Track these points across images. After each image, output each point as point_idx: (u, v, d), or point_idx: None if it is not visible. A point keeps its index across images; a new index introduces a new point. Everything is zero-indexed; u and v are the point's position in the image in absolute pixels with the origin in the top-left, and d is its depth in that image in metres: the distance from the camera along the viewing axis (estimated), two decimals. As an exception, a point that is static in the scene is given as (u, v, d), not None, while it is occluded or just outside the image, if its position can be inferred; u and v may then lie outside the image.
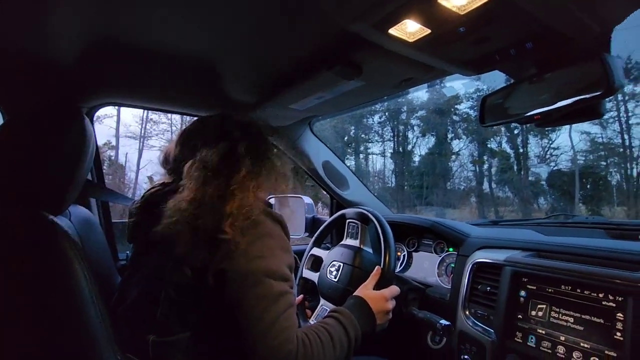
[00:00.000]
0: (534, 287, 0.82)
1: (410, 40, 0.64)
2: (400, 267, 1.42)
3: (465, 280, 0.99)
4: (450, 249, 1.24)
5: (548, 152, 10.65)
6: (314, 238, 1.31)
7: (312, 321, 1.09)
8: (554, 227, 1.25)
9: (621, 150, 9.60)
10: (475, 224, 1.46)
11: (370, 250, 1.11)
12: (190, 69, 0.88)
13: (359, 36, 0.67)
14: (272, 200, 2.04)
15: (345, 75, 0.81)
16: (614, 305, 0.69)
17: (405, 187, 12.47)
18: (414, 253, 1.41)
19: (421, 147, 12.55)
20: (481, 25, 0.59)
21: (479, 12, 0.55)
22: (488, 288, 0.92)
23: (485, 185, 11.63)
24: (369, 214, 1.09)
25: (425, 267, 1.33)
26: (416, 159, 12.66)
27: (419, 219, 1.32)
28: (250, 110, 1.11)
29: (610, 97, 0.69)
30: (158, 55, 0.80)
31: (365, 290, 0.88)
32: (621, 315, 0.67)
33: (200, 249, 0.62)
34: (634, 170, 9.44)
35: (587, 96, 0.62)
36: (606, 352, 0.68)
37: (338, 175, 1.52)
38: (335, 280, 1.07)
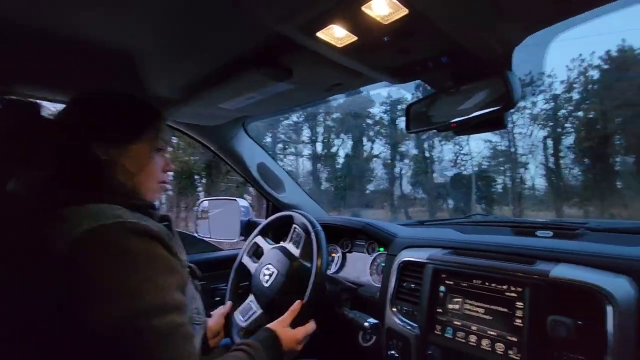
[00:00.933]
0: (452, 282, 0.89)
1: (339, 45, 0.65)
2: (335, 267, 1.44)
3: (393, 279, 1.04)
4: (381, 249, 1.29)
5: (459, 157, 12.01)
6: (260, 227, 1.28)
7: (237, 315, 1.07)
8: (471, 226, 1.38)
9: (510, 156, 11.35)
10: (404, 224, 1.55)
11: (308, 265, 1.10)
12: (101, 59, 0.79)
13: (288, 38, 0.66)
14: (204, 203, 1.95)
15: (276, 77, 0.79)
16: (515, 295, 0.77)
17: (330, 189, 12.72)
18: (347, 254, 1.45)
19: (344, 149, 13.00)
20: (403, 37, 0.62)
21: (400, 23, 0.57)
22: (412, 285, 0.98)
23: (405, 187, 12.49)
24: (311, 231, 1.07)
25: (359, 267, 1.37)
26: (340, 160, 13.03)
27: (351, 221, 1.35)
28: (174, 108, 1.03)
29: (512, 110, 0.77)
30: (61, 40, 0.70)
31: (281, 327, 0.84)
32: (520, 304, 0.76)
33: (38, 278, 0.49)
34: (518, 175, 11.32)
35: (493, 109, 0.69)
36: (508, 337, 0.76)
37: (274, 178, 1.50)
38: (266, 285, 1.05)
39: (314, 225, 1.06)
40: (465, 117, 0.76)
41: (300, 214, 1.13)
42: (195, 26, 0.67)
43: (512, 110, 0.81)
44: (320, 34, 0.62)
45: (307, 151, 13.18)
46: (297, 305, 0.91)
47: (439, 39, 0.63)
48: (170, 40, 0.73)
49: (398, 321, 0.97)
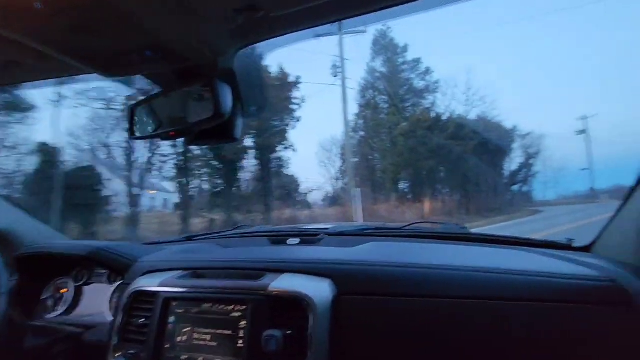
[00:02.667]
0: (182, 311, 0.79)
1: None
2: (62, 308, 1.10)
3: (120, 315, 0.85)
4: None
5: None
6: None
7: None
8: (236, 239, 1.35)
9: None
10: (169, 241, 1.39)
11: None
12: None
13: None
14: None
15: None
16: (239, 314, 0.74)
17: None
18: (84, 287, 1.14)
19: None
20: (63, 7, 0.47)
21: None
22: (142, 320, 0.82)
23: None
24: None
25: (97, 303, 1.09)
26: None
27: (74, 247, 1.06)
28: None
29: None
30: None
31: None
32: (243, 324, 0.73)
33: None
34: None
35: (205, 118, 0.63)
36: (231, 362, 0.71)
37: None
38: None
39: None
40: (184, 126, 0.68)
41: None
42: None
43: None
44: None
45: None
46: None
47: (124, 24, 0.51)
48: None
49: (121, 369, 0.79)
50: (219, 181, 11.20)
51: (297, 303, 0.72)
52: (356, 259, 0.85)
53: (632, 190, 0.78)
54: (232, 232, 1.43)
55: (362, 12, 0.58)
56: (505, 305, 0.68)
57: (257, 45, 0.68)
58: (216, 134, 0.74)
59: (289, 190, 13.64)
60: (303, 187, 14.69)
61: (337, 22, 0.61)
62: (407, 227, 1.30)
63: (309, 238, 1.17)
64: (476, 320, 0.69)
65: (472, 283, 0.73)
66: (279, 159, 12.48)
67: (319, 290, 0.74)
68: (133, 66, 0.65)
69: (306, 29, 0.60)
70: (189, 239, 1.46)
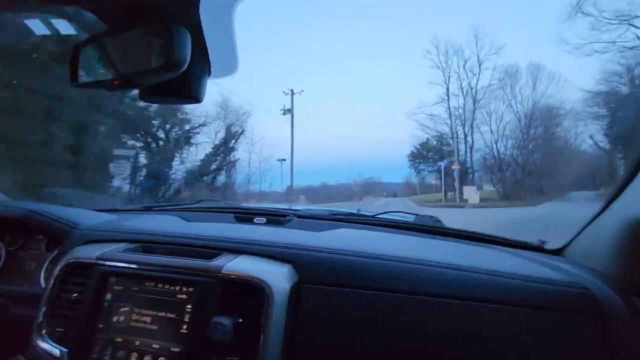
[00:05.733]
0: (120, 288, 0.70)
1: None
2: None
3: (50, 287, 0.75)
4: (66, 245, 0.96)
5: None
6: None
7: None
8: (199, 213, 1.26)
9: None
10: (124, 210, 1.28)
11: None
12: None
13: None
14: None
15: None
16: (185, 297, 0.66)
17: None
18: (21, 253, 1.02)
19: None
20: None
21: None
22: (75, 295, 0.72)
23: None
24: None
25: (32, 270, 0.98)
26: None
27: (7, 208, 0.93)
28: None
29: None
30: None
31: None
32: (189, 307, 0.66)
33: None
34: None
35: (156, 68, 0.53)
36: (172, 349, 0.64)
37: None
38: None
39: None
40: (132, 76, 0.57)
41: None
42: None
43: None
44: None
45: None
46: None
47: None
48: None
49: (45, 350, 0.69)
50: None
51: (252, 289, 0.65)
52: (323, 245, 0.78)
53: (612, 198, 0.75)
54: (197, 205, 1.34)
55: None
56: (474, 306, 0.64)
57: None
58: (175, 90, 0.64)
59: None
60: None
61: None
62: (379, 216, 1.25)
63: (276, 218, 1.09)
64: (443, 320, 0.64)
65: (442, 280, 0.68)
66: None
67: (277, 276, 0.67)
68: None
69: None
70: (148, 209, 1.35)
